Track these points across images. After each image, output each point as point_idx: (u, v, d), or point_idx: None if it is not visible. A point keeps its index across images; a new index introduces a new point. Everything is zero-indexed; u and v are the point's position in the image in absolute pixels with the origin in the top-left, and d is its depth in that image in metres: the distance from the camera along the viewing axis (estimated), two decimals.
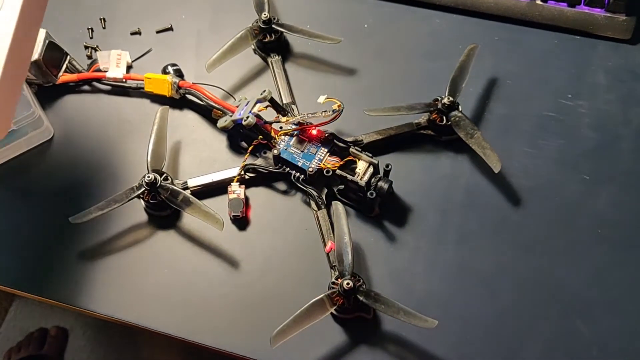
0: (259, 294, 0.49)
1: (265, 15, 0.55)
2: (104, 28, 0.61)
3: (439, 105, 0.51)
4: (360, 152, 0.49)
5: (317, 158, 0.50)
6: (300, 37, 0.56)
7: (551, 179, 0.52)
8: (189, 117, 0.56)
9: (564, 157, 0.53)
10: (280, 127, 0.52)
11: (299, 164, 0.50)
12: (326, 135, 0.51)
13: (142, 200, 0.50)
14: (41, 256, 0.51)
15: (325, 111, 0.50)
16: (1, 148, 0.53)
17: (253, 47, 0.58)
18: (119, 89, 0.57)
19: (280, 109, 0.52)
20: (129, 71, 0.58)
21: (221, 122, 0.52)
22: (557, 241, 0.50)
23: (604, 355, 0.46)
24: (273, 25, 0.56)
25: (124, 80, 0.57)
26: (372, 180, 0.49)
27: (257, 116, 0.50)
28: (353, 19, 0.60)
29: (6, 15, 0.35)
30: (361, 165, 0.49)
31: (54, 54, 0.54)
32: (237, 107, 0.52)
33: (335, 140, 0.51)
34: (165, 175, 0.50)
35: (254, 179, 0.52)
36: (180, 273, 0.50)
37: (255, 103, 0.51)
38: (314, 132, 0.51)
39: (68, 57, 0.56)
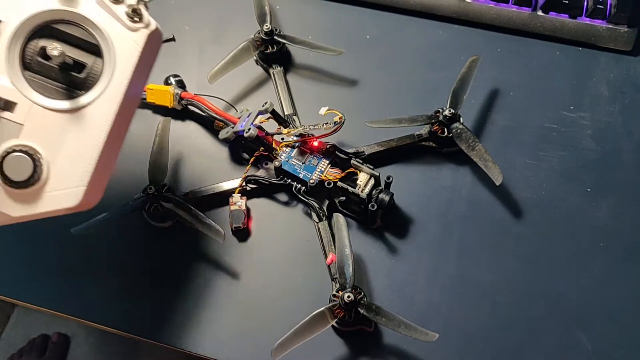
0: (259, 305, 0.49)
1: (267, 26, 0.55)
2: None
3: (441, 117, 0.51)
4: (362, 164, 0.50)
5: (319, 170, 0.50)
6: (302, 49, 0.57)
7: (553, 191, 0.52)
8: (191, 128, 0.56)
9: (566, 169, 0.53)
10: (282, 139, 0.52)
11: (300, 176, 0.50)
12: (327, 146, 0.51)
13: (143, 212, 0.50)
14: (42, 267, 0.51)
15: (326, 123, 0.50)
16: None
17: (255, 58, 0.58)
18: None
19: (282, 121, 0.53)
20: None
21: (223, 134, 0.52)
22: (559, 253, 0.50)
23: None
24: (275, 37, 0.56)
25: None
26: (374, 192, 0.49)
27: (259, 128, 0.50)
28: (355, 30, 0.60)
29: (114, 88, 0.36)
30: (362, 177, 0.49)
31: None
32: (239, 118, 0.52)
33: (336, 152, 0.51)
34: (166, 186, 0.50)
35: (256, 190, 0.52)
36: (180, 284, 0.50)
37: (257, 115, 0.51)
38: (315, 143, 0.51)
39: None
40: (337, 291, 0.45)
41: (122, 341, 1.10)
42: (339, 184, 0.49)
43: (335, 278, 0.47)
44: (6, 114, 0.35)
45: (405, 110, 0.53)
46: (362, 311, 0.44)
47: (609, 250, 0.50)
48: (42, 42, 0.35)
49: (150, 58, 0.38)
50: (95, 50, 0.36)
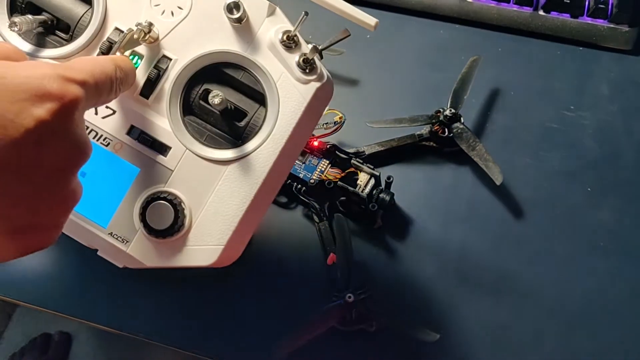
0: (260, 306, 0.49)
1: None
2: None
3: (441, 117, 0.51)
4: (362, 164, 0.50)
5: (319, 170, 0.50)
6: None
7: (553, 191, 0.52)
8: None
9: (567, 168, 0.53)
10: None
11: (301, 176, 0.50)
12: (328, 147, 0.51)
13: None
14: (44, 269, 0.52)
15: (327, 123, 0.50)
16: None
17: None
18: None
19: None
20: None
21: None
22: (559, 253, 0.50)
23: None
24: None
25: None
26: (374, 192, 0.49)
27: None
28: (355, 29, 0.60)
29: (269, 148, 0.33)
30: (363, 177, 0.49)
31: None
32: None
33: (336, 152, 0.51)
34: None
35: None
36: (180, 285, 0.50)
37: None
38: (316, 143, 0.51)
39: None
40: (338, 291, 0.45)
41: (123, 340, 1.10)
42: (340, 183, 0.49)
43: (336, 278, 0.47)
44: (159, 158, 0.33)
45: (405, 110, 0.53)
46: (362, 311, 0.44)
47: (609, 250, 0.50)
48: (206, 85, 0.33)
49: (317, 111, 0.35)
50: (259, 98, 0.34)
